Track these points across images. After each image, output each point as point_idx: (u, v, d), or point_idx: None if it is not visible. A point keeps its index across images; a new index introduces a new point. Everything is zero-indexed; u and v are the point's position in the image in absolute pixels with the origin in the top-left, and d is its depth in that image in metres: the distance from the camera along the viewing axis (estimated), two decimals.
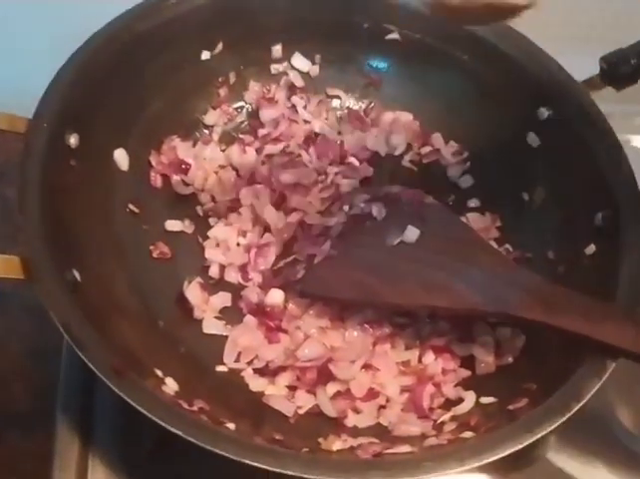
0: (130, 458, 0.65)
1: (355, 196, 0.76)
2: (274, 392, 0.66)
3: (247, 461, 0.50)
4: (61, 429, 0.65)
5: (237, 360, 0.68)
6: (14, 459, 0.77)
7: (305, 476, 0.50)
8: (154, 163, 0.77)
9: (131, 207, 0.73)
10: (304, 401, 0.65)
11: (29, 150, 0.63)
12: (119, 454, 0.65)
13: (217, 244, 0.75)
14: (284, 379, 0.66)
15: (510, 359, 0.67)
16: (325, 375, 0.66)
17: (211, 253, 0.74)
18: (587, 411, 0.68)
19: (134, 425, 0.65)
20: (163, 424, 0.51)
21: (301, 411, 0.64)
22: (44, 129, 0.64)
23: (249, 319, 0.70)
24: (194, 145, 0.80)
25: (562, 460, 0.68)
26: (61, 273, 0.58)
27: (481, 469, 0.66)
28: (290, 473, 0.50)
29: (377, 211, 0.72)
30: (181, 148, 0.79)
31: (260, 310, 0.70)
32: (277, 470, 0.50)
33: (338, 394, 0.65)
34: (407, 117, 0.85)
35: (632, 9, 0.91)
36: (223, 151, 0.81)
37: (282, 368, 0.67)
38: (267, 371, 0.67)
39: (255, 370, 0.67)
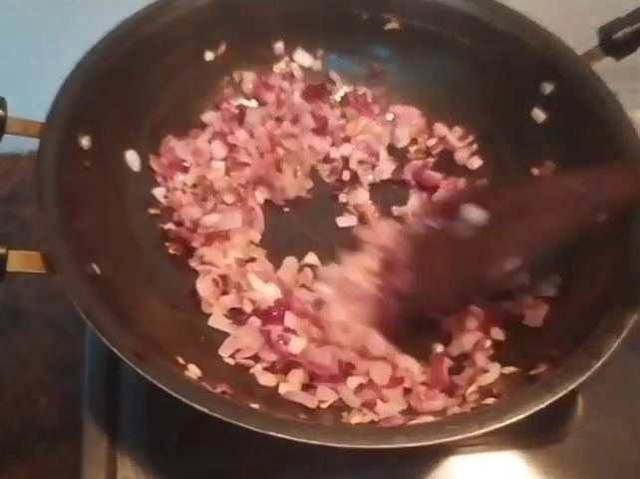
0: (157, 454, 0.65)
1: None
2: (290, 389, 0.63)
3: (272, 433, 0.50)
4: (88, 428, 0.66)
5: (233, 356, 0.66)
6: (41, 474, 0.77)
7: (331, 445, 0.50)
8: (155, 167, 0.77)
9: (146, 207, 0.75)
10: (326, 396, 0.62)
11: (44, 152, 0.64)
12: (146, 450, 0.65)
13: None
14: (297, 377, 0.64)
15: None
16: (341, 373, 0.63)
17: None
18: (616, 387, 0.68)
19: (159, 422, 0.65)
20: (189, 402, 0.52)
21: (324, 405, 0.62)
22: (57, 132, 0.66)
23: (254, 321, 0.67)
24: (190, 142, 0.79)
25: (591, 436, 0.68)
26: (81, 267, 0.59)
27: (510, 445, 0.66)
28: (316, 443, 0.50)
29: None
30: (179, 147, 0.78)
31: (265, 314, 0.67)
32: (303, 441, 0.50)
33: (362, 386, 0.63)
34: (414, 112, 0.86)
35: None
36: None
37: (294, 364, 0.64)
38: (276, 370, 0.65)
39: (265, 368, 0.65)
